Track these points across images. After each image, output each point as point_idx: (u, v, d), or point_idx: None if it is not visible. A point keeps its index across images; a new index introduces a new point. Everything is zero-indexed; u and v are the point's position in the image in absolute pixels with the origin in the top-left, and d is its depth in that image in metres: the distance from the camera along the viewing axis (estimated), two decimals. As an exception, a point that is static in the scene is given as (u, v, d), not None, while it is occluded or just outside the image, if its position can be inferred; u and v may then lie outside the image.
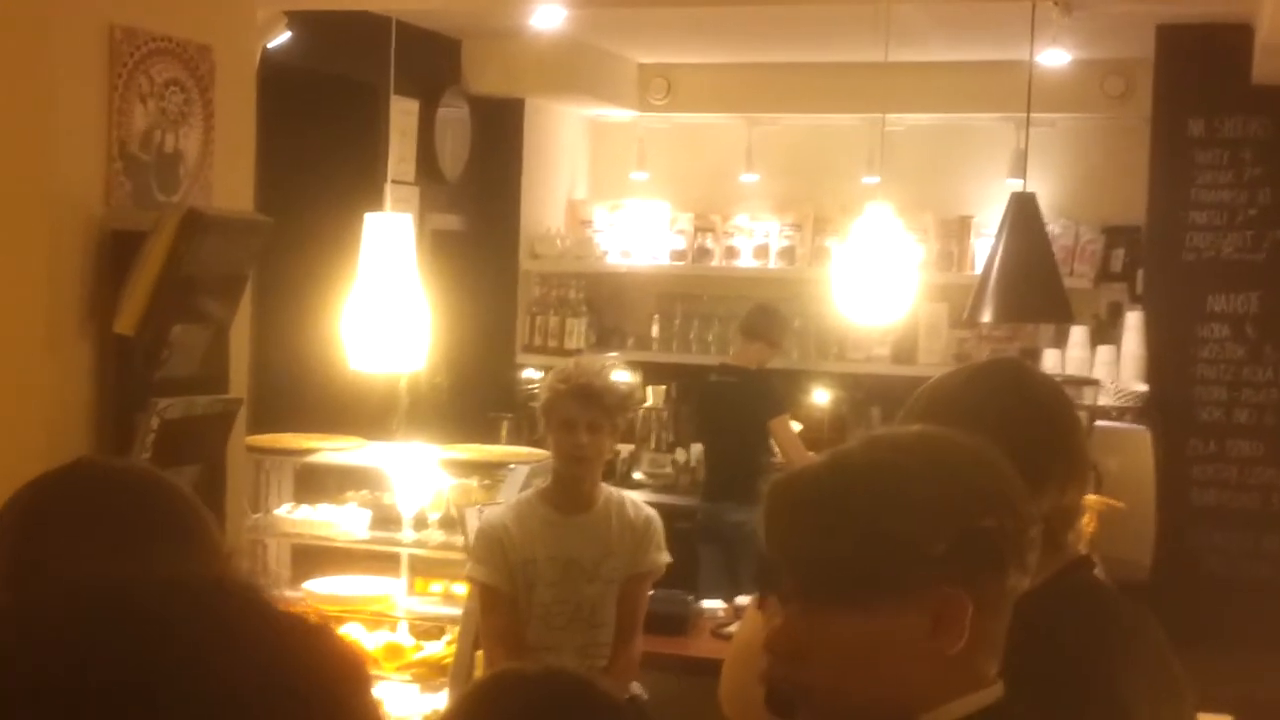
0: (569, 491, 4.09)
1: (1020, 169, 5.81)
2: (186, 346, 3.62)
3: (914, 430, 1.80)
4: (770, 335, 6.80)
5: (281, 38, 4.91)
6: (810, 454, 6.57)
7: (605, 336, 7.85)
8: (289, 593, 4.86)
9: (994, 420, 2.01)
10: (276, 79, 5.13)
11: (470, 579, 4.15)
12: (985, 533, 1.60)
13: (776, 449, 6.64)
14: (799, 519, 1.65)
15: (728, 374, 6.78)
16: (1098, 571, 2.26)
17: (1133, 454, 5.62)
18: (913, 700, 1.62)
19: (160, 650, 0.86)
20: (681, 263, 7.90)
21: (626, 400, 4.16)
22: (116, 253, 3.48)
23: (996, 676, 1.65)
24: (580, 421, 4.00)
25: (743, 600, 4.94)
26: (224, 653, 0.88)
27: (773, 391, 6.66)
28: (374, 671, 4.53)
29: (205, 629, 0.89)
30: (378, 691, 4.53)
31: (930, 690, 1.61)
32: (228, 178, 3.95)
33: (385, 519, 4.90)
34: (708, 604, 5.36)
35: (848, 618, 1.60)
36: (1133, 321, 6.71)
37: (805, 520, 1.64)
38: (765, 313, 6.87)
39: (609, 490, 4.23)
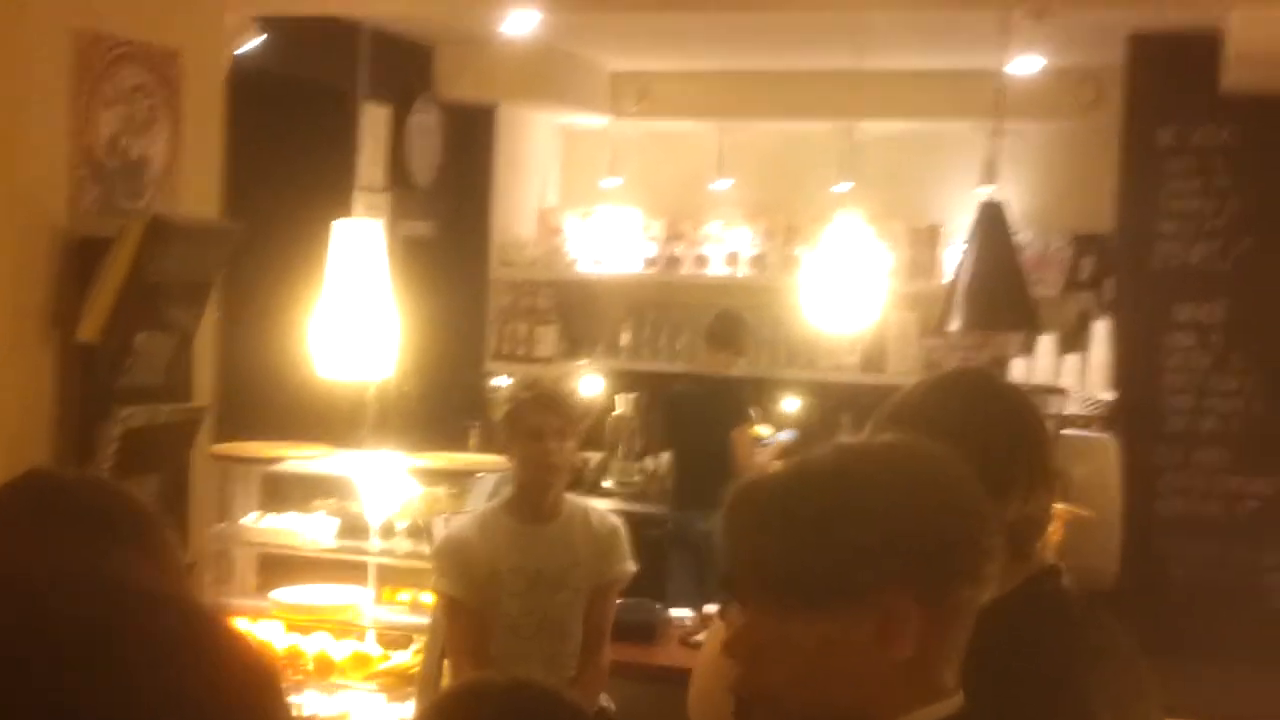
0: (534, 502, 4.09)
1: (990, 177, 5.82)
2: (150, 354, 3.61)
3: (883, 440, 1.80)
4: (735, 343, 6.81)
5: (252, 43, 4.89)
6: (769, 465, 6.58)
7: (575, 344, 7.84)
8: (255, 601, 4.83)
9: (957, 429, 2.01)
10: (246, 84, 5.10)
11: (435, 591, 4.14)
12: (941, 544, 1.60)
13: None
14: (758, 521, 1.65)
15: (693, 383, 6.78)
16: (1065, 581, 2.26)
17: (1099, 462, 5.64)
18: (868, 707, 1.62)
19: (59, 648, 0.86)
20: (653, 270, 7.89)
21: (585, 410, 4.19)
22: (81, 260, 3.47)
23: (956, 687, 1.65)
24: (548, 429, 4.01)
25: (711, 608, 4.93)
26: (130, 658, 0.87)
27: (736, 400, 6.66)
28: (328, 683, 4.52)
29: (113, 633, 0.88)
30: (337, 702, 4.52)
31: (884, 698, 1.62)
32: (195, 184, 3.94)
33: (352, 528, 4.87)
34: (676, 612, 5.35)
35: (799, 621, 1.61)
36: (1100, 330, 6.74)
37: (764, 522, 1.64)
38: (729, 320, 6.87)
39: (573, 500, 4.23)
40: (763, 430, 6.86)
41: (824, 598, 1.59)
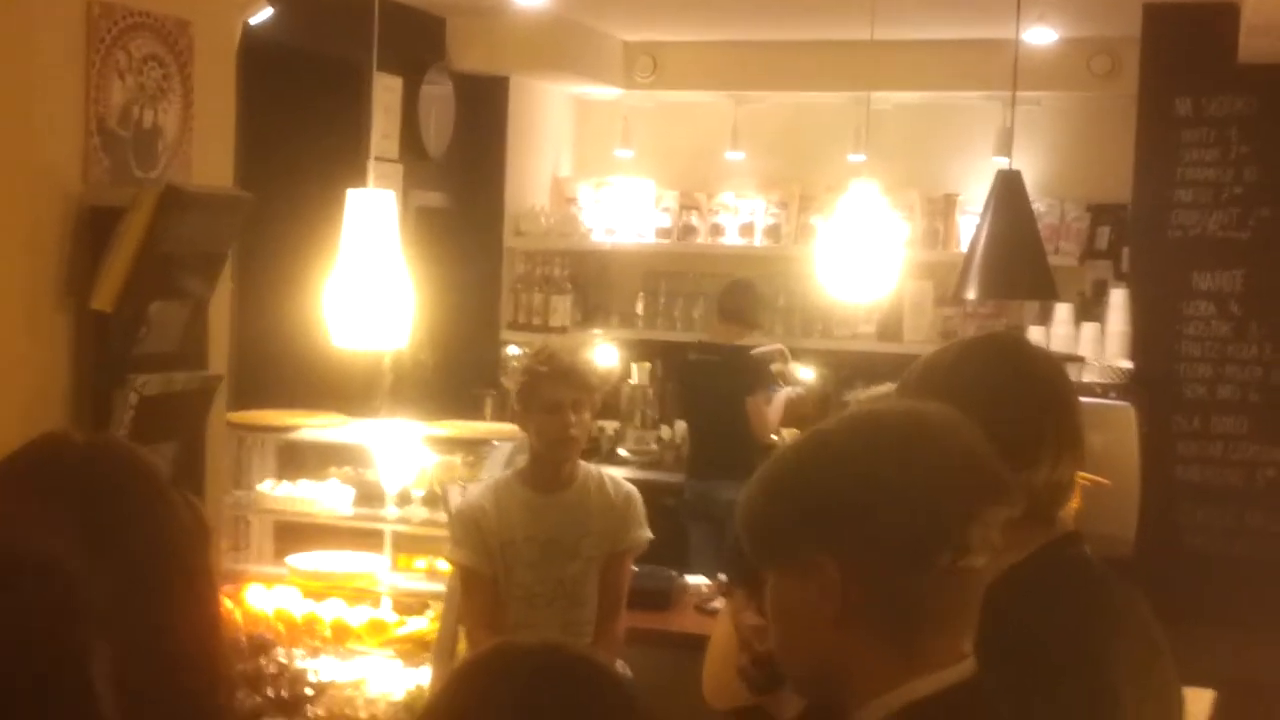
0: (549, 472, 4.09)
1: (1006, 147, 5.79)
2: (165, 323, 3.61)
3: (898, 409, 1.79)
4: (746, 315, 6.79)
5: (263, 14, 4.87)
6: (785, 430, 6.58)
7: (590, 314, 7.84)
8: (271, 568, 4.85)
9: (985, 395, 2.01)
10: (258, 55, 5.10)
11: (450, 560, 4.14)
12: (867, 512, 1.63)
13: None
14: (759, 486, 1.74)
15: (706, 351, 6.77)
16: (1086, 548, 2.25)
17: (1118, 430, 5.62)
18: (844, 674, 1.67)
19: None
20: (666, 240, 7.88)
21: (601, 380, 4.18)
22: (95, 229, 3.47)
23: (959, 655, 1.66)
24: (566, 402, 4.00)
25: (724, 577, 4.93)
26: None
27: (749, 368, 6.65)
28: (345, 648, 4.53)
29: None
30: (354, 668, 4.53)
31: (857, 665, 1.65)
32: (207, 154, 3.93)
33: (368, 495, 4.89)
34: (691, 579, 5.36)
35: (770, 583, 1.72)
36: (1118, 299, 6.71)
37: (748, 488, 1.74)
38: (741, 290, 6.86)
39: (587, 468, 4.22)
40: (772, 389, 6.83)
41: (771, 559, 1.70)
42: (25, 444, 1.75)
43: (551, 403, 4.00)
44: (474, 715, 1.56)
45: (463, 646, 4.33)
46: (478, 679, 1.61)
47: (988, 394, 2.04)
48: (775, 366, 6.74)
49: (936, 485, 1.63)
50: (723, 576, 5.08)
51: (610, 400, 4.69)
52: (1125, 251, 6.95)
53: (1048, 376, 2.23)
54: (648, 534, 4.20)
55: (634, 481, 4.36)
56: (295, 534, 4.95)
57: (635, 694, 1.61)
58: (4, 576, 0.87)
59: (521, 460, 4.24)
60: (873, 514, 1.64)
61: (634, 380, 7.20)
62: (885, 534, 1.63)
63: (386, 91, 6.55)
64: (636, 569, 4.35)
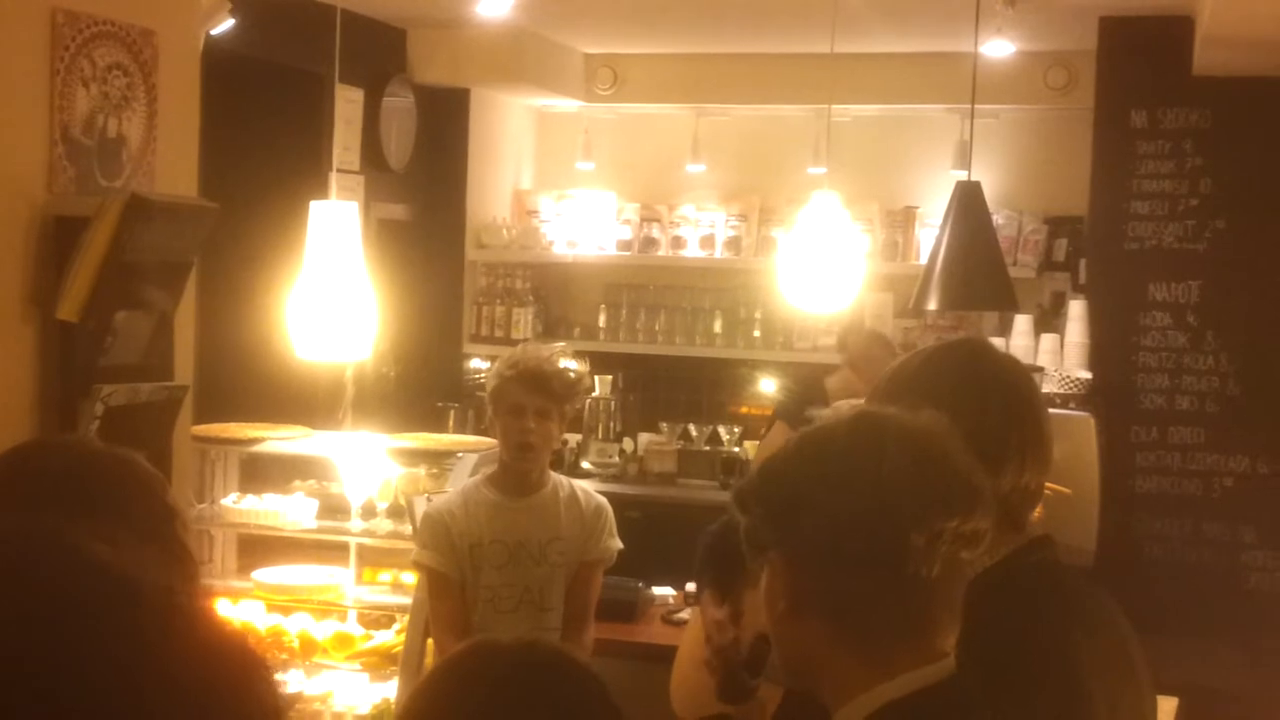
0: (516, 478, 4.09)
1: (965, 160, 5.83)
2: (130, 333, 3.59)
3: (886, 416, 1.80)
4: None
5: (225, 25, 4.86)
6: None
7: (552, 326, 7.84)
8: (236, 582, 4.82)
9: (950, 401, 2.01)
10: (220, 66, 5.08)
11: (417, 564, 4.13)
12: (865, 518, 1.66)
13: None
14: (758, 470, 1.83)
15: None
16: (1057, 552, 2.26)
17: (1078, 440, 5.65)
18: (811, 668, 1.72)
19: (57, 631, 0.85)
20: (628, 253, 7.89)
21: (575, 387, 4.13)
22: (59, 238, 3.44)
23: (934, 657, 1.68)
24: (528, 408, 3.99)
25: (691, 587, 4.94)
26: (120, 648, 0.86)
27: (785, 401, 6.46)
28: (310, 663, 4.50)
29: (111, 619, 0.87)
30: (320, 682, 4.51)
31: (820, 661, 1.70)
32: (171, 163, 3.91)
33: (333, 508, 4.88)
34: (658, 590, 5.36)
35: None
36: (1076, 310, 6.76)
37: (758, 472, 1.83)
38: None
39: (558, 478, 4.22)
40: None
41: (751, 543, 1.76)
42: (12, 449, 1.74)
43: (514, 406, 4.00)
44: (451, 713, 1.56)
45: (430, 659, 4.32)
46: (454, 677, 1.62)
47: (953, 399, 2.04)
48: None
49: (894, 493, 1.66)
50: (690, 587, 5.09)
51: (574, 413, 4.68)
52: (1082, 263, 7.00)
53: (1013, 381, 2.25)
54: (618, 544, 4.20)
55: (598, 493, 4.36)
56: (259, 547, 4.93)
57: (608, 690, 1.62)
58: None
59: (492, 466, 4.24)
60: (823, 512, 1.67)
61: (597, 393, 7.19)
62: (834, 534, 1.67)
63: (348, 103, 6.54)
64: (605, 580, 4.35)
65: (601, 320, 7.83)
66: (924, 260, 5.88)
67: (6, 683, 0.82)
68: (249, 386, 5.75)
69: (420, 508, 4.34)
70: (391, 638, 4.62)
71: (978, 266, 5.27)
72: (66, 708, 0.82)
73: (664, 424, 7.41)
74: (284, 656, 4.50)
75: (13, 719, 0.81)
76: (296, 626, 4.62)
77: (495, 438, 4.16)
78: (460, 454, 4.78)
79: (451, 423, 6.83)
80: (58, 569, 0.90)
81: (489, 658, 1.62)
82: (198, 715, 0.87)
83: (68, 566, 0.90)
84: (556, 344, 7.08)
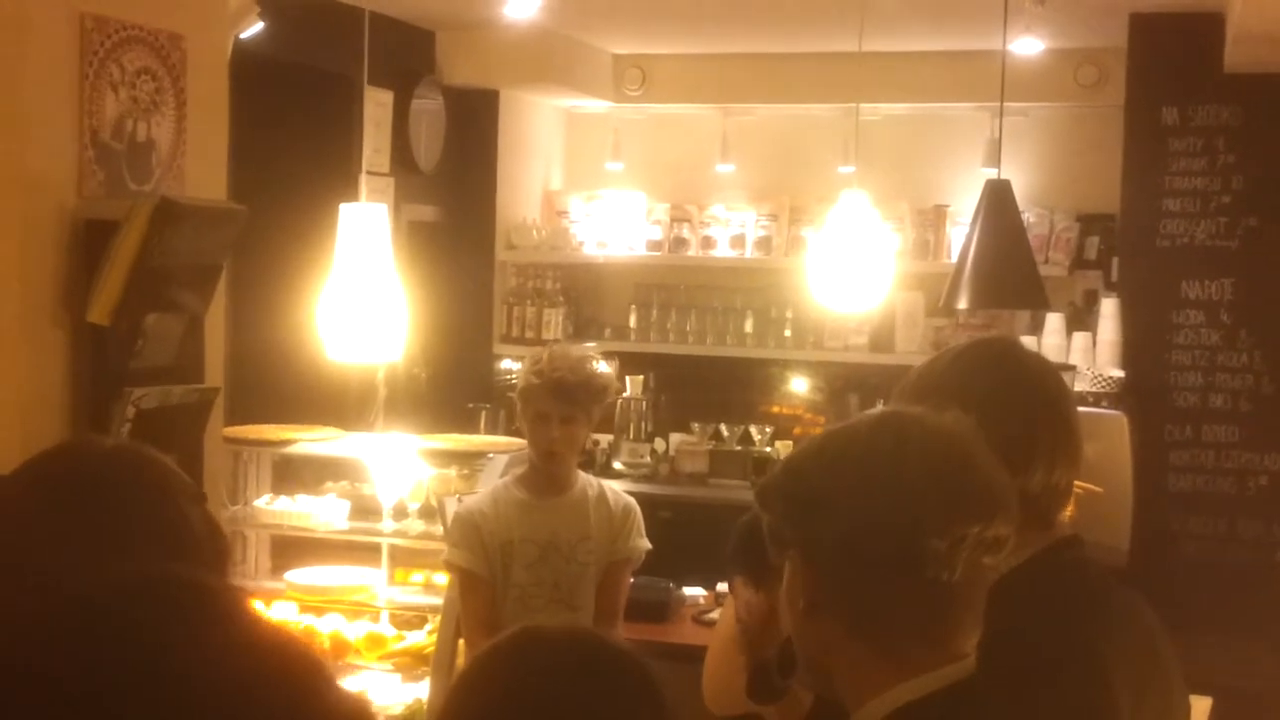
0: (544, 478, 4.10)
1: (995, 158, 5.80)
2: (161, 336, 3.60)
3: (912, 416, 1.79)
4: None
5: (254, 28, 4.88)
6: None
7: (582, 327, 7.84)
8: (269, 583, 4.84)
9: (978, 400, 2.00)
10: (249, 69, 5.10)
11: (449, 564, 4.14)
12: (883, 520, 1.65)
13: None
14: (783, 464, 1.83)
15: None
16: (1086, 551, 2.25)
17: (1110, 439, 5.63)
18: (829, 667, 1.72)
19: (124, 653, 0.85)
20: (658, 253, 7.89)
21: (602, 393, 4.13)
22: (89, 242, 3.46)
23: (953, 658, 1.67)
24: (554, 416, 4.00)
25: (722, 587, 4.94)
26: (187, 659, 0.87)
27: None
28: (343, 663, 4.52)
29: (168, 633, 0.88)
30: (352, 683, 4.52)
31: (837, 660, 1.71)
32: (201, 167, 3.93)
33: (364, 509, 4.89)
34: (688, 591, 5.36)
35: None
36: (1108, 308, 6.73)
37: (784, 466, 1.83)
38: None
39: (587, 478, 4.23)
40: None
41: (774, 539, 1.76)
42: (49, 450, 1.75)
43: (540, 413, 4.01)
44: (501, 699, 1.56)
45: (461, 660, 4.33)
46: (502, 664, 1.61)
47: (981, 398, 2.03)
48: None
49: (914, 498, 1.65)
50: (721, 587, 5.08)
51: (605, 413, 4.67)
52: (1115, 261, 6.97)
53: (1041, 380, 2.23)
54: (646, 545, 4.20)
55: (629, 494, 4.36)
56: (292, 549, 4.95)
57: (658, 679, 1.62)
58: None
59: (523, 466, 4.25)
60: (843, 514, 1.67)
61: (628, 393, 7.19)
62: (852, 537, 1.66)
63: (377, 105, 6.56)
64: (632, 580, 4.35)
65: (632, 320, 7.83)
66: (954, 259, 5.86)
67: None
68: (281, 388, 5.77)
69: (451, 508, 4.35)
70: (423, 638, 4.63)
71: (1008, 265, 5.25)
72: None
73: (695, 424, 7.41)
74: (316, 657, 4.51)
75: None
76: (329, 627, 4.64)
77: (525, 436, 4.18)
78: (491, 455, 4.79)
79: (483, 424, 6.84)
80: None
81: (534, 644, 1.63)
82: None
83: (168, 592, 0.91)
84: (586, 345, 7.11)
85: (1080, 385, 6.28)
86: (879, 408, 1.99)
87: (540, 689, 1.55)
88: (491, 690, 1.57)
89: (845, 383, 7.45)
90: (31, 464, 1.74)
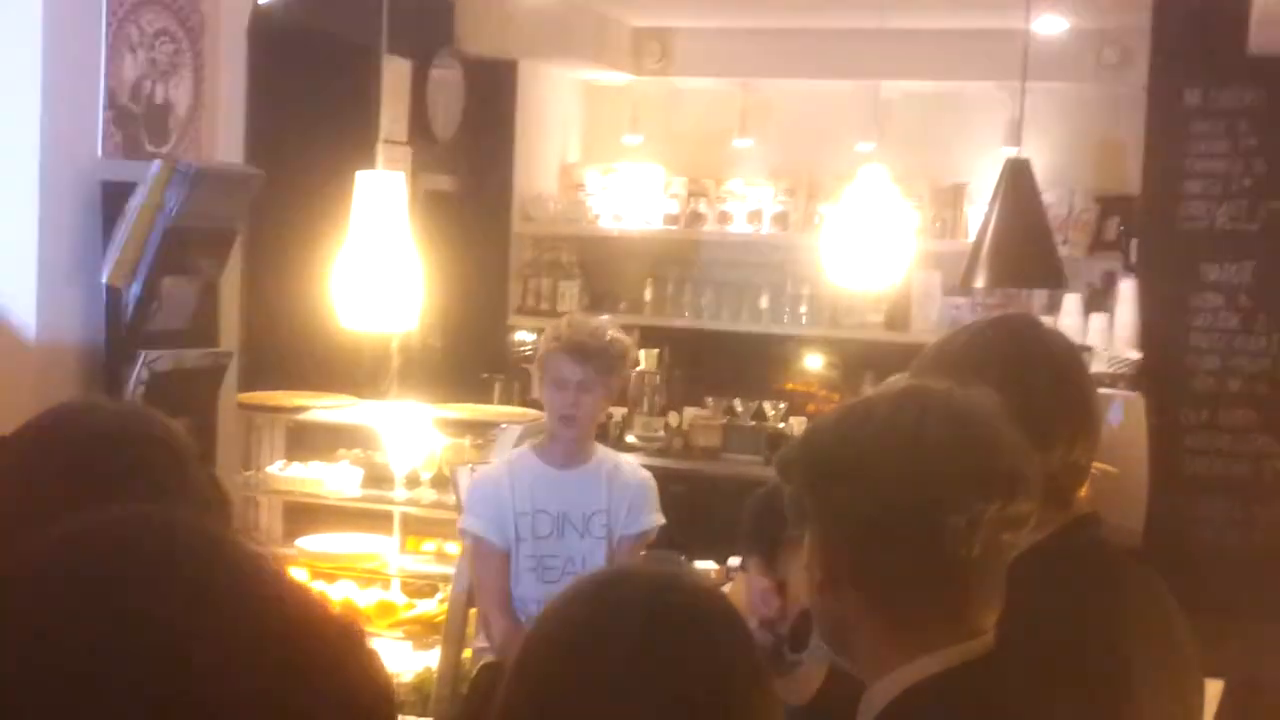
0: (561, 448, 4.09)
1: (1015, 137, 5.78)
2: (176, 299, 3.60)
3: (938, 391, 1.77)
4: None
5: (274, -6, 4.87)
6: None
7: (598, 300, 7.83)
8: (281, 550, 4.84)
9: (998, 377, 1.98)
10: (268, 35, 5.07)
11: (463, 531, 4.13)
12: (902, 495, 1.64)
13: None
14: (801, 438, 1.82)
15: None
16: (1103, 530, 2.24)
17: (1126, 421, 5.61)
18: (845, 638, 1.72)
19: (168, 591, 0.84)
20: (674, 227, 7.87)
21: (620, 361, 4.11)
22: (106, 204, 3.45)
23: (972, 634, 1.66)
24: (571, 381, 3.99)
25: (734, 562, 4.93)
26: (232, 604, 0.86)
27: None
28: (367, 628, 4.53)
29: (210, 576, 0.87)
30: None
31: (854, 632, 1.70)
32: (218, 131, 3.92)
33: (377, 477, 4.89)
34: (700, 565, 5.34)
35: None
36: (1126, 290, 6.70)
37: (802, 439, 1.82)
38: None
39: (604, 450, 4.22)
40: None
41: (792, 510, 1.75)
42: (51, 409, 1.74)
43: (558, 379, 4.00)
44: (602, 630, 1.55)
45: (472, 629, 4.33)
46: (604, 596, 1.60)
47: (1000, 375, 2.02)
48: None
49: (933, 474, 1.64)
50: (733, 561, 5.07)
51: (622, 386, 4.68)
52: (1134, 243, 6.93)
53: (1062, 357, 2.21)
54: (660, 519, 4.19)
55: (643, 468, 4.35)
56: (304, 516, 4.95)
57: (738, 613, 1.63)
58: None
59: (539, 438, 4.24)
60: (862, 487, 1.66)
61: (642, 367, 7.18)
62: (869, 510, 1.65)
63: (396, 74, 6.53)
64: (643, 554, 4.34)
65: (647, 294, 7.82)
66: (972, 238, 5.84)
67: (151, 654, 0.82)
68: (295, 355, 5.76)
69: (464, 478, 4.34)
70: (434, 607, 4.63)
71: (1026, 244, 5.23)
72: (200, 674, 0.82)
73: (709, 399, 7.39)
74: (326, 624, 4.52)
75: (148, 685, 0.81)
76: (340, 595, 4.64)
77: (544, 404, 4.17)
78: (504, 425, 4.78)
79: (496, 394, 6.83)
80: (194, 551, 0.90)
81: (623, 579, 1.63)
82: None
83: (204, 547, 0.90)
84: (603, 318, 7.10)
85: (1097, 366, 6.25)
86: (896, 379, 1.98)
87: (626, 621, 1.54)
88: (597, 621, 1.56)
89: (860, 360, 7.42)
90: (34, 422, 1.73)
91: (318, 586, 4.66)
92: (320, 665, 0.88)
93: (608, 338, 4.05)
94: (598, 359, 3.99)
